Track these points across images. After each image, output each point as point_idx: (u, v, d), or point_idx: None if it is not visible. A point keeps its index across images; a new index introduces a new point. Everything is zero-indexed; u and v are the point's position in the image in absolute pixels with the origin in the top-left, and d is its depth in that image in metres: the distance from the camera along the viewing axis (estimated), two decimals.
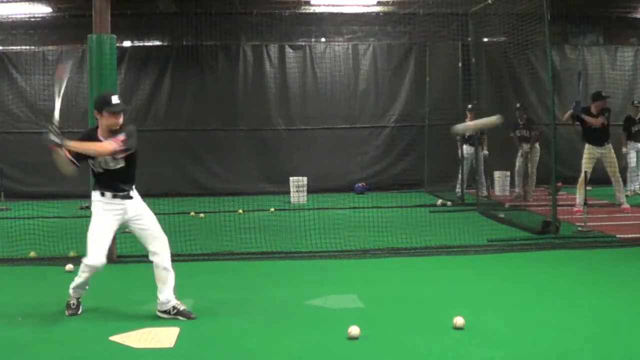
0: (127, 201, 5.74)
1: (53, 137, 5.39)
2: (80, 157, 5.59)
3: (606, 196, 12.30)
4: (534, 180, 13.29)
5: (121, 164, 5.69)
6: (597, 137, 11.28)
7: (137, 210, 5.79)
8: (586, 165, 11.15)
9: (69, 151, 5.49)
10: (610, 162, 11.39)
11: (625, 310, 5.75)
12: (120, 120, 5.65)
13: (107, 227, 5.71)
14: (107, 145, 5.53)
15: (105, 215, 5.70)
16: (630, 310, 5.75)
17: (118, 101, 5.69)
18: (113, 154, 5.58)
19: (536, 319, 5.52)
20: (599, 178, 11.82)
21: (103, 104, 5.65)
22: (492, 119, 9.17)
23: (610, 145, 11.38)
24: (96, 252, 5.63)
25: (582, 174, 10.98)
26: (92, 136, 5.69)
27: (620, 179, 11.64)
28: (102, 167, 5.69)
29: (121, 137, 5.58)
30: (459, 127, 9.96)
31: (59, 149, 5.44)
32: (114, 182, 5.72)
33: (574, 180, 12.44)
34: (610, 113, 11.48)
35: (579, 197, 11.13)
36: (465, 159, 13.81)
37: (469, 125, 11.11)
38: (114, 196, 5.71)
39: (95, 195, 5.76)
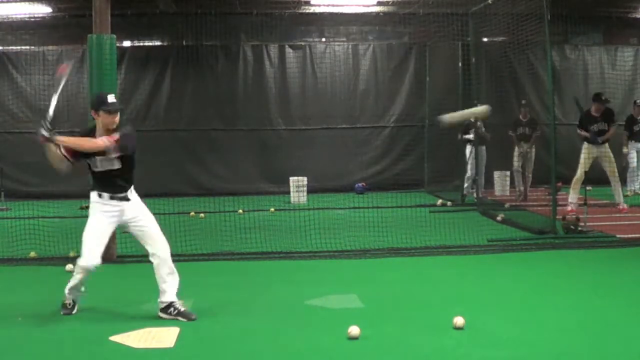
0: (124, 203, 5.72)
1: (43, 132, 5.39)
2: (77, 155, 5.58)
3: (606, 196, 12.29)
4: (530, 179, 13.29)
5: (117, 166, 5.65)
6: (597, 137, 11.32)
7: (134, 211, 5.76)
8: (585, 164, 11.16)
9: (65, 148, 5.49)
10: (609, 161, 11.41)
11: (625, 311, 5.75)
12: (116, 119, 5.62)
13: (103, 229, 5.69)
14: (97, 141, 5.51)
15: (102, 216, 5.68)
16: (630, 311, 5.75)
17: (114, 100, 5.68)
18: (105, 151, 5.53)
19: (536, 319, 5.52)
20: (599, 178, 11.78)
21: (99, 104, 5.64)
22: (481, 109, 8.90)
23: (607, 145, 11.43)
24: (90, 253, 5.62)
25: (579, 173, 11.01)
26: (89, 135, 5.67)
27: (618, 179, 11.65)
28: (99, 168, 5.66)
29: (115, 136, 5.56)
30: (445, 117, 8.71)
31: (50, 144, 5.43)
32: (112, 183, 5.68)
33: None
34: (614, 116, 11.54)
35: (572, 196, 11.18)
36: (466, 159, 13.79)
37: (454, 115, 10.04)
38: (111, 197, 5.68)
39: (93, 195, 5.73)
